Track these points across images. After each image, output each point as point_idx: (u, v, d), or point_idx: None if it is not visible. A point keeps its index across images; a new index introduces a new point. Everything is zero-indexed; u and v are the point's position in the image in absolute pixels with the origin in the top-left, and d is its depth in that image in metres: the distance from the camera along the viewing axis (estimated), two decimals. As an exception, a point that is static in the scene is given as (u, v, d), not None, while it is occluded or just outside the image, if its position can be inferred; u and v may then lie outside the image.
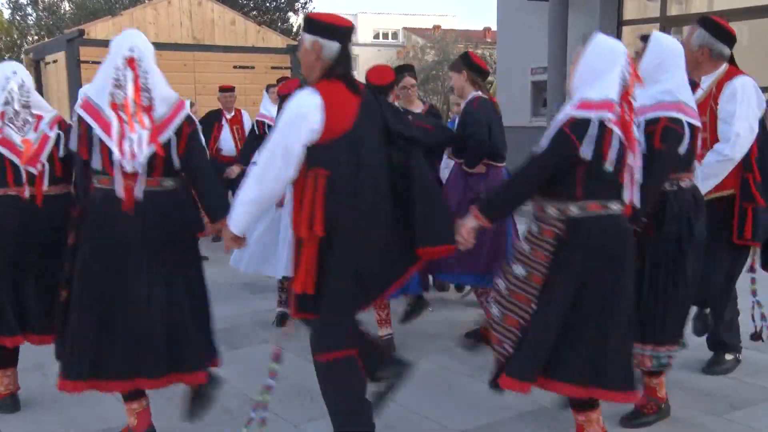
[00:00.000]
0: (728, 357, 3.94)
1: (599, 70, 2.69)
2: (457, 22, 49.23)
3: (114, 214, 2.92)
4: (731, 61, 3.67)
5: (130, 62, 2.96)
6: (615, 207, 2.71)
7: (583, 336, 2.69)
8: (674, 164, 3.02)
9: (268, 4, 21.83)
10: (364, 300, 2.81)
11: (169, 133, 2.98)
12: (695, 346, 4.23)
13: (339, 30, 2.73)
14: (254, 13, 20.50)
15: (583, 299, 2.68)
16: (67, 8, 23.01)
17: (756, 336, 3.89)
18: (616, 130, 2.63)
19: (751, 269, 3.80)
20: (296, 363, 4.09)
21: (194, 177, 3.08)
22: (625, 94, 2.70)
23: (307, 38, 2.75)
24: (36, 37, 22.46)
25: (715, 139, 3.56)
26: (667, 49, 3.10)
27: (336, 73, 2.71)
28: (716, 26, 3.66)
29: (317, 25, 2.73)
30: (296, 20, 22.53)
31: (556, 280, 2.69)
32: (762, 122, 3.65)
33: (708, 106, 3.59)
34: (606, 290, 2.69)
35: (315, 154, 2.63)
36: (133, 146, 2.89)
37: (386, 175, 2.74)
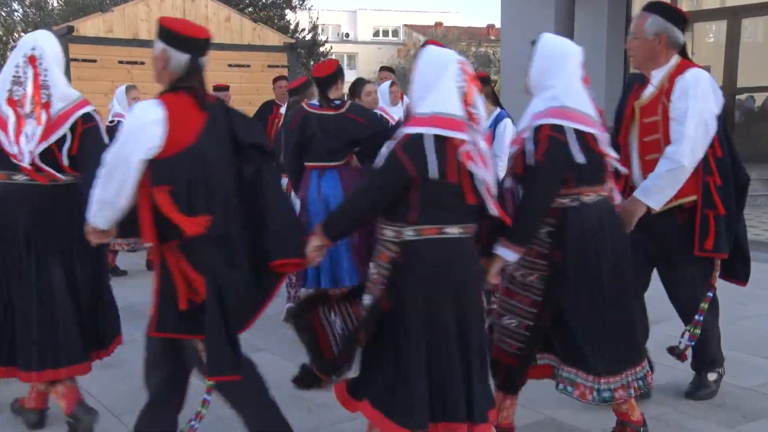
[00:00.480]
0: (711, 377, 3.71)
1: (430, 82, 2.66)
2: (460, 19, 49.48)
3: (8, 209, 3.17)
4: (682, 51, 3.43)
5: (31, 60, 3.16)
6: (453, 231, 2.64)
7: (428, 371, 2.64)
8: (558, 178, 2.85)
9: (264, 1, 21.84)
10: (227, 329, 2.75)
11: (64, 129, 3.16)
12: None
13: (190, 42, 2.67)
14: (250, 9, 20.48)
15: (426, 327, 2.63)
16: (56, 4, 23.01)
17: (676, 351, 3.57)
18: (463, 145, 2.59)
19: (710, 287, 3.49)
20: (291, 370, 4.08)
21: (81, 173, 3.22)
22: (466, 104, 2.65)
23: (157, 45, 2.70)
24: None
25: (669, 141, 3.34)
26: (554, 52, 2.97)
27: (184, 85, 2.67)
28: (670, 10, 3.41)
29: (167, 33, 2.67)
30: (294, 17, 22.55)
31: (402, 311, 2.64)
32: (722, 119, 3.41)
33: (659, 104, 3.36)
34: (444, 318, 2.64)
35: (156, 169, 2.59)
36: (26, 141, 3.10)
37: (237, 189, 2.73)
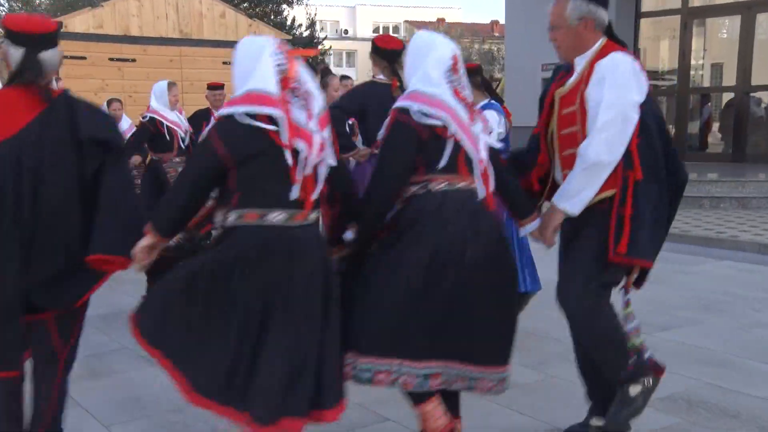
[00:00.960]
0: (635, 391, 3.06)
1: (249, 68, 2.72)
2: (463, 15, 49.52)
3: None
4: (609, 32, 3.15)
5: None
6: (278, 216, 2.65)
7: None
8: (402, 159, 2.84)
9: (260, -4, 21.90)
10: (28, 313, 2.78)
11: None
12: (721, 361, 4.22)
13: (22, 36, 2.81)
14: (245, 5, 20.56)
15: (229, 310, 2.65)
16: (44, -1, 23.12)
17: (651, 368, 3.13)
18: (281, 123, 2.62)
19: (625, 290, 3.15)
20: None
21: None
22: (285, 83, 2.70)
23: (2, 42, 2.86)
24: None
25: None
26: (418, 47, 2.99)
27: (22, 79, 2.80)
28: None
29: (5, 29, 2.84)
30: (290, 13, 22.60)
31: (212, 292, 2.67)
32: (654, 110, 3.12)
33: (578, 93, 3.06)
34: (250, 304, 2.63)
35: None
36: None
37: (71, 185, 2.78)
